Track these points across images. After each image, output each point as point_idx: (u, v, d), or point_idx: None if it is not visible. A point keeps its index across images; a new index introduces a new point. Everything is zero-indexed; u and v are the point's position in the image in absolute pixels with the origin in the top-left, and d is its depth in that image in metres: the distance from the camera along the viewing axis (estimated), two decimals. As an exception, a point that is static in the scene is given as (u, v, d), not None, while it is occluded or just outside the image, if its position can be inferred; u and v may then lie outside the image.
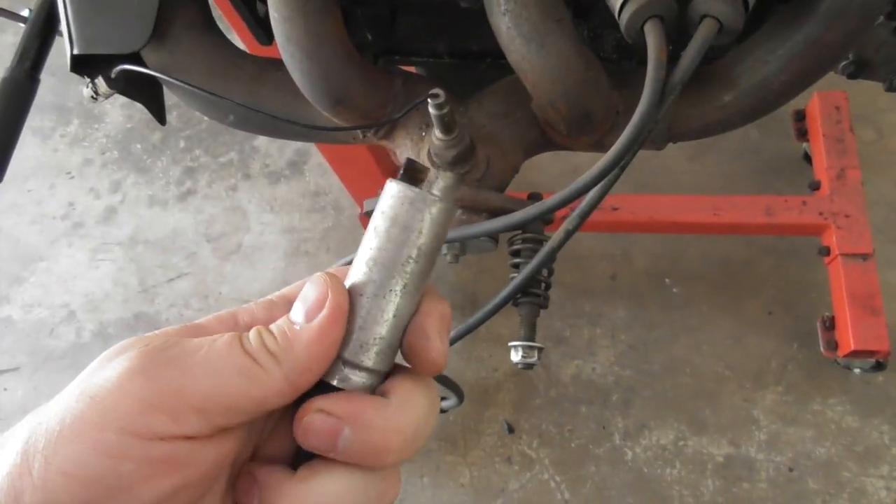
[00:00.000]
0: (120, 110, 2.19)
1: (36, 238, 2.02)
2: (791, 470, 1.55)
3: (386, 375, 0.37)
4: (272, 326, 0.35)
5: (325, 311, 0.34)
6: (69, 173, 2.12)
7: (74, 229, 2.02)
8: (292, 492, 0.35)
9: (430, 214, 0.35)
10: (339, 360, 0.36)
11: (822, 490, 1.52)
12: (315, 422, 0.35)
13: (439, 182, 0.36)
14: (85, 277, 1.95)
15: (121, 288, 1.92)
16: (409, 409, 0.36)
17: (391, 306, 0.35)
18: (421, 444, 0.37)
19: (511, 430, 1.65)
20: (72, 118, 2.20)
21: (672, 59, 0.49)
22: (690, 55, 0.47)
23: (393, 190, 0.35)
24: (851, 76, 0.76)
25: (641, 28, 0.49)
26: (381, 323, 0.35)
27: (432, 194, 0.35)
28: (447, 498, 1.61)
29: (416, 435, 0.36)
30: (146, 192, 2.06)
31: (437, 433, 1.65)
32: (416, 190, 0.35)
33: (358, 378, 0.36)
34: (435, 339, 0.36)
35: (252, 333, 0.35)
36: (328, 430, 0.34)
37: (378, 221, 0.36)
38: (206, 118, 2.09)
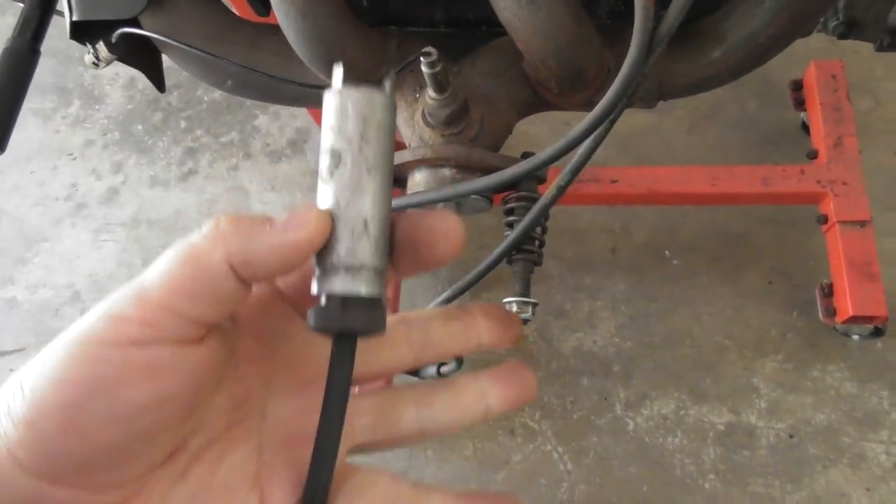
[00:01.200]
0: (121, 91, 2.19)
1: (39, 219, 2.03)
2: (791, 436, 1.56)
3: (382, 273, 0.37)
4: (243, 213, 0.36)
5: (300, 233, 0.35)
6: (71, 154, 2.13)
7: (77, 210, 2.04)
8: None
9: (364, 99, 0.36)
10: (336, 267, 0.36)
11: (822, 455, 1.54)
12: None
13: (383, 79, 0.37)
14: (88, 258, 1.96)
15: (124, 268, 1.93)
16: None
17: (369, 199, 0.36)
18: None
19: (514, 401, 1.67)
20: (73, 99, 2.21)
21: (661, 18, 0.50)
22: (677, 6, 0.48)
23: (327, 95, 0.36)
24: (842, 36, 0.77)
25: (629, -19, 0.49)
26: (367, 220, 0.36)
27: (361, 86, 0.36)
28: (451, 470, 1.63)
29: None
30: (148, 173, 2.07)
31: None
32: (348, 88, 0.36)
33: (361, 278, 0.36)
34: (443, 213, 0.38)
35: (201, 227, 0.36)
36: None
37: (328, 131, 0.36)
38: (206, 98, 2.11)
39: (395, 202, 0.60)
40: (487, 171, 0.60)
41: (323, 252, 0.36)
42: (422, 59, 0.53)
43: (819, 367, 1.60)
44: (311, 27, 0.57)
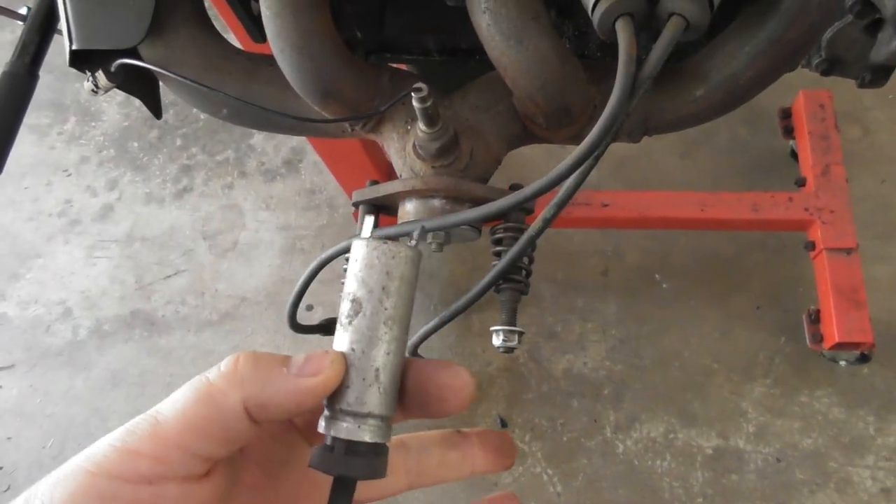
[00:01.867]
0: (117, 108, 2.21)
1: (32, 235, 2.04)
2: (779, 461, 1.58)
3: (388, 422, 0.39)
4: (263, 353, 0.38)
5: (316, 379, 0.36)
6: (66, 171, 2.14)
7: (71, 226, 2.05)
8: None
9: (390, 254, 0.38)
10: (343, 412, 0.37)
11: (809, 480, 1.55)
12: None
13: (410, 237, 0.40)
14: (81, 274, 1.97)
15: (117, 285, 1.94)
16: None
17: (384, 350, 0.38)
18: None
19: (504, 424, 1.67)
20: (69, 116, 2.22)
21: (646, 55, 0.52)
22: (659, 50, 0.49)
23: (356, 244, 0.39)
24: (825, 73, 0.79)
25: (613, 25, 0.51)
26: (380, 370, 0.37)
27: (390, 242, 0.38)
28: (441, 492, 1.63)
29: None
30: (143, 190, 2.08)
31: (431, 428, 1.67)
32: (377, 241, 0.38)
33: (366, 426, 0.37)
34: (457, 370, 0.39)
35: (220, 363, 0.37)
36: None
37: (352, 279, 0.38)
38: (202, 116, 2.13)
39: (385, 231, 0.61)
40: (476, 202, 0.61)
41: (333, 394, 0.38)
42: (412, 94, 0.54)
43: (807, 392, 1.62)
44: (306, 62, 0.58)
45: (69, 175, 2.13)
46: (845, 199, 1.55)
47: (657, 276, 1.78)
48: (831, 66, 0.77)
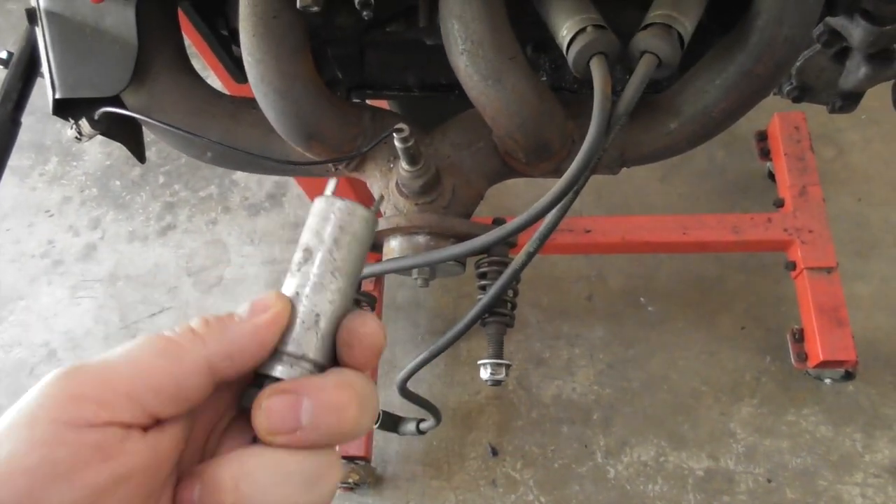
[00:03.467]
0: (98, 148, 2.21)
1: (15, 277, 2.03)
2: (769, 481, 1.58)
3: (324, 369, 0.39)
4: (207, 315, 0.38)
5: (266, 315, 0.37)
6: (48, 211, 2.13)
7: (54, 267, 2.03)
8: (228, 469, 0.36)
9: (346, 210, 0.39)
10: (281, 354, 0.38)
11: (800, 499, 1.55)
12: (274, 402, 0.36)
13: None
14: (65, 315, 1.95)
15: (102, 325, 1.92)
16: (353, 378, 0.38)
17: (327, 297, 0.38)
18: (370, 419, 0.38)
19: (495, 452, 1.67)
20: (50, 156, 2.22)
21: (622, 90, 0.53)
22: (633, 87, 0.51)
23: (320, 201, 0.40)
24: (796, 100, 0.81)
25: (588, 64, 0.53)
26: (320, 315, 0.38)
27: (348, 200, 0.39)
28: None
29: (365, 402, 0.37)
30: (126, 228, 2.07)
31: (422, 458, 1.67)
32: (336, 198, 0.39)
33: (299, 368, 0.38)
34: (367, 317, 0.39)
35: (172, 327, 0.37)
36: (289, 405, 0.36)
37: (307, 231, 0.39)
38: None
39: (372, 268, 0.62)
40: (460, 237, 0.62)
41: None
42: (395, 134, 0.56)
43: (794, 410, 1.63)
44: (288, 105, 0.59)
45: (51, 215, 2.12)
46: (823, 218, 1.57)
47: (642, 299, 1.79)
48: (802, 94, 0.79)
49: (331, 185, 0.41)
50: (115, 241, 2.06)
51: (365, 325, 0.38)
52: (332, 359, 0.39)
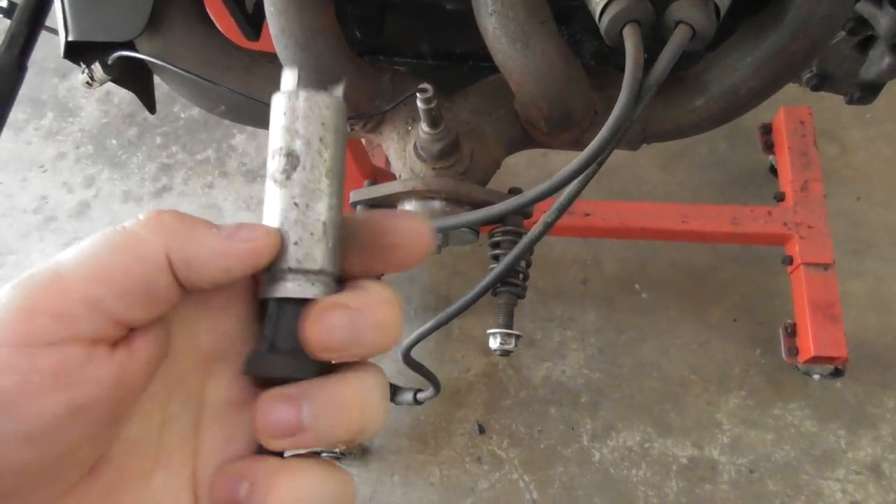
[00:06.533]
0: (96, 105, 2.18)
1: (6, 231, 2.00)
2: (752, 472, 1.59)
3: (341, 281, 0.36)
4: (185, 213, 0.33)
5: (245, 245, 0.32)
6: (42, 167, 2.10)
7: (46, 223, 2.01)
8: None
9: (323, 103, 0.35)
10: (285, 273, 0.34)
11: (780, 492, 1.57)
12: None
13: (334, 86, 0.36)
14: (56, 271, 1.93)
15: (93, 283, 1.90)
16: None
17: (328, 203, 0.35)
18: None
19: (482, 430, 1.67)
20: (46, 111, 2.18)
21: (647, 65, 0.52)
22: (666, 58, 0.50)
23: (282, 97, 0.35)
24: (815, 88, 0.80)
25: (620, 32, 0.52)
26: (327, 224, 0.35)
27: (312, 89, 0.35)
28: (417, 496, 1.62)
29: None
30: (121, 188, 2.05)
31: (409, 432, 1.67)
32: (306, 90, 0.35)
33: (320, 285, 0.34)
34: (407, 214, 0.35)
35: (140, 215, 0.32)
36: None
37: (283, 132, 0.35)
38: (182, 115, 2.11)
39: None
40: (476, 205, 0.61)
41: (276, 259, 0.34)
42: (418, 94, 0.55)
43: (780, 404, 1.64)
44: (309, 58, 0.58)
45: (45, 171, 2.09)
46: (823, 214, 1.57)
47: (637, 286, 1.79)
48: (821, 82, 0.79)
49: (292, 77, 0.36)
50: (110, 200, 2.03)
51: (413, 223, 0.35)
52: (340, 269, 0.36)
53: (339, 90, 0.36)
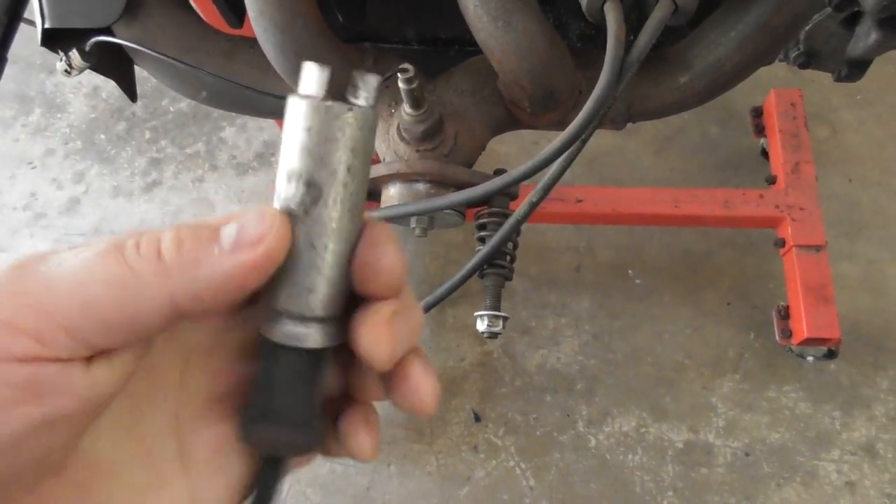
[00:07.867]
0: (84, 100, 2.16)
1: (-5, 228, 1.99)
2: (747, 455, 1.59)
3: (340, 320, 0.31)
4: (185, 230, 0.30)
5: (255, 251, 0.29)
6: (31, 163, 2.09)
7: (36, 220, 2.00)
8: None
9: (356, 123, 0.29)
10: (279, 313, 0.30)
11: (776, 474, 1.57)
12: None
13: (360, 88, 0.30)
14: (47, 268, 1.92)
15: (84, 278, 1.89)
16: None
17: (345, 238, 0.30)
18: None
19: (477, 418, 1.67)
20: (33, 108, 2.17)
21: (631, 44, 0.52)
22: (648, 33, 0.49)
23: (305, 106, 0.30)
24: (802, 66, 0.80)
25: (602, 9, 0.51)
26: (324, 262, 0.30)
27: (352, 103, 0.30)
28: (414, 485, 1.62)
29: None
30: (111, 183, 2.04)
31: (404, 421, 1.67)
32: (335, 102, 0.29)
33: (305, 331, 0.30)
34: (387, 245, 0.31)
35: (138, 238, 0.29)
36: None
37: (303, 153, 0.30)
38: (171, 108, 2.09)
39: (371, 214, 0.61)
40: (461, 186, 0.61)
41: (283, 291, 0.30)
42: (399, 75, 0.54)
43: (775, 387, 1.64)
44: (288, 41, 0.58)
45: (34, 168, 2.08)
46: (815, 196, 1.57)
47: (630, 271, 1.79)
48: (809, 60, 0.78)
49: (318, 74, 0.29)
50: (100, 195, 2.02)
51: (385, 256, 0.31)
52: (344, 306, 0.32)
53: (369, 95, 0.30)
